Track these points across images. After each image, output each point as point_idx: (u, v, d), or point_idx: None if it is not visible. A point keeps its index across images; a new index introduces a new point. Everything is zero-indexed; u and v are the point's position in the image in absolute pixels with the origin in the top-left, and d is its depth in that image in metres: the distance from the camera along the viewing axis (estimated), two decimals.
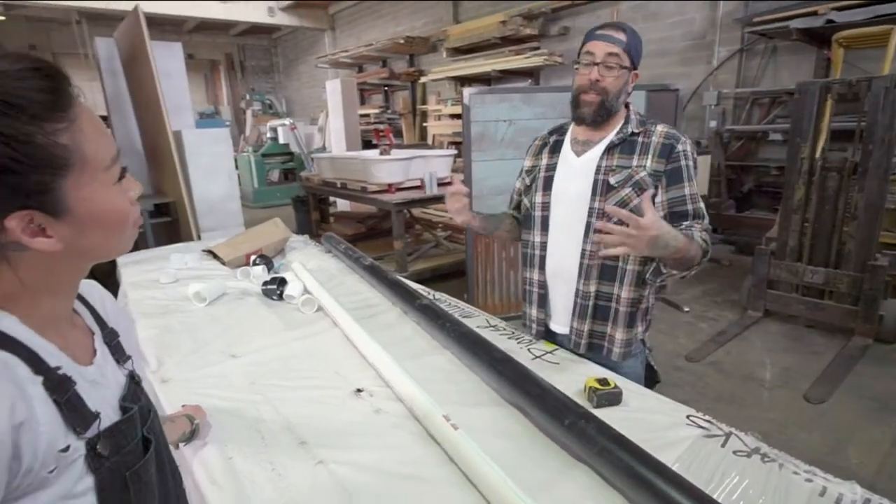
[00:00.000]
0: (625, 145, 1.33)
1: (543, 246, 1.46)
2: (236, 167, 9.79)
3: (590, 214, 1.35)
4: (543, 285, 1.47)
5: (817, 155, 3.28)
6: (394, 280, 1.83)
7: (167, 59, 3.95)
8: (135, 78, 3.61)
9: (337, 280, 2.08)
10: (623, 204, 1.31)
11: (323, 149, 8.28)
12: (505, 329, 1.61)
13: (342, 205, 6.65)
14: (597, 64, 1.27)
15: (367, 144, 8.63)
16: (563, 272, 1.42)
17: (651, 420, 1.12)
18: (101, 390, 0.57)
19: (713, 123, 6.22)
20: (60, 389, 0.50)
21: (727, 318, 3.70)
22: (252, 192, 8.76)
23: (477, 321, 1.66)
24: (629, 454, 0.89)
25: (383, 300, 1.83)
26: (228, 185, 3.61)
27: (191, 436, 1.02)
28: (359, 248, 2.12)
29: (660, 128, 1.33)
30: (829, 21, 4.80)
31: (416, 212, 5.94)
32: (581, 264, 1.38)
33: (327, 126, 8.01)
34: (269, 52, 15.01)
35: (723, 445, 1.04)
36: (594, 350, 1.42)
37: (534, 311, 1.51)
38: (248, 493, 0.90)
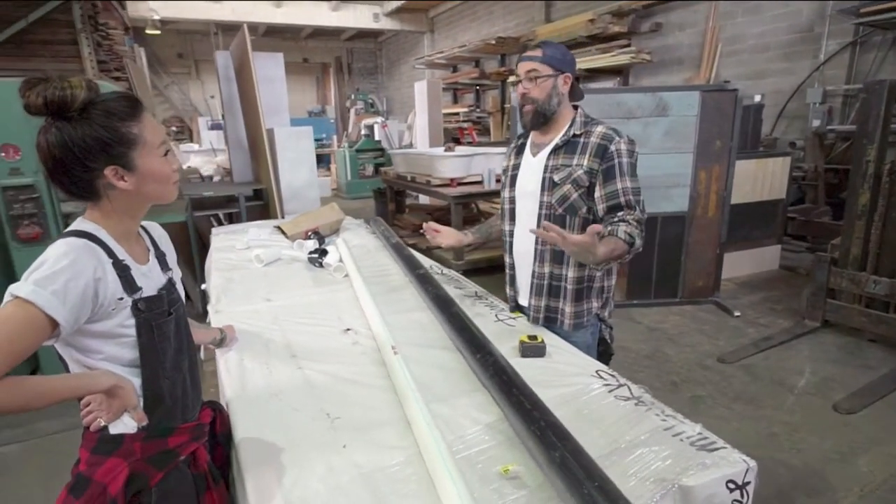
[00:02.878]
0: (568, 146, 1.56)
1: (511, 234, 1.74)
2: (333, 161, 10.81)
3: (540, 207, 1.60)
4: (512, 267, 1.76)
5: None
6: (407, 255, 2.20)
7: (270, 68, 4.67)
8: (242, 84, 4.34)
9: (370, 254, 2.49)
10: (565, 198, 1.55)
11: (410, 145, 8.87)
12: (486, 299, 1.91)
13: (424, 199, 7.16)
14: (521, 81, 1.53)
15: (456, 142, 9.13)
16: (524, 256, 1.69)
17: (562, 370, 1.37)
18: (147, 279, 0.99)
19: (816, 123, 5.77)
20: (121, 269, 0.92)
21: (781, 325, 3.58)
22: (346, 184, 9.63)
23: (466, 291, 1.97)
24: (507, 377, 1.17)
25: (398, 270, 2.20)
26: (309, 176, 4.22)
27: (220, 342, 1.47)
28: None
29: (599, 129, 1.54)
30: None
31: (485, 206, 6.26)
32: (535, 249, 1.63)
33: (415, 124, 8.57)
34: (374, 54, 16.11)
35: (610, 391, 1.27)
36: (550, 322, 1.66)
37: (507, 289, 1.80)
38: (247, 378, 1.33)
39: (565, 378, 1.33)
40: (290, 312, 1.76)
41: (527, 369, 1.35)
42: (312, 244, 2.54)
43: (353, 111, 13.17)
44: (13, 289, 0.79)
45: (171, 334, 1.00)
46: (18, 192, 2.63)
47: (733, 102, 3.60)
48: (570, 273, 1.60)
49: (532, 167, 1.65)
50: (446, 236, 1.85)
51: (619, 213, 1.48)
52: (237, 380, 1.32)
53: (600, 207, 1.52)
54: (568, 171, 1.54)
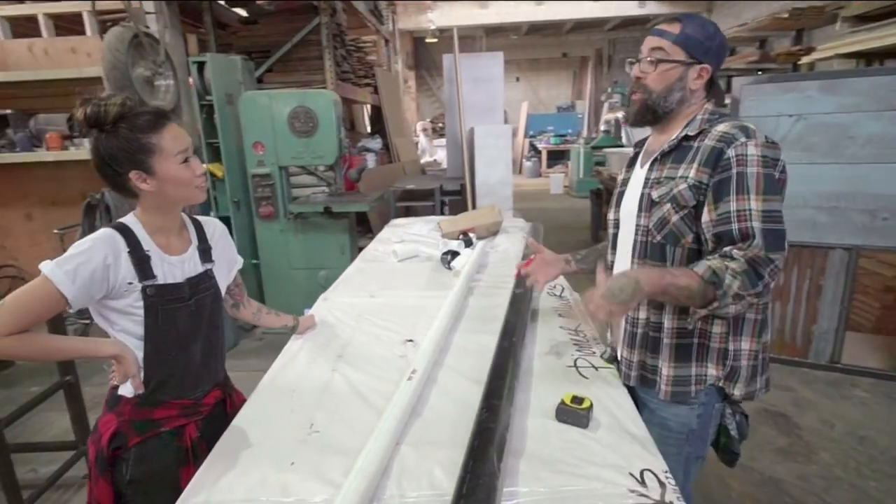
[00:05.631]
0: (678, 152, 1.17)
1: (612, 266, 1.39)
2: (569, 158, 10.52)
3: (636, 232, 1.24)
4: None
5: None
6: None
7: (489, 67, 4.81)
8: (456, 84, 4.60)
9: (504, 263, 2.35)
10: (664, 221, 1.17)
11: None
12: (583, 337, 1.58)
13: None
14: (639, 60, 1.17)
15: None
16: None
17: (595, 452, 1.04)
18: (173, 268, 1.15)
19: None
20: (137, 257, 1.09)
21: None
22: (576, 181, 9.29)
23: (565, 322, 1.68)
24: (478, 443, 0.95)
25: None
26: (504, 173, 4.21)
27: (292, 330, 1.60)
28: None
29: (720, 128, 1.11)
30: None
31: None
32: None
33: None
34: (639, 43, 14.94)
35: None
36: (646, 383, 1.29)
37: (608, 334, 1.47)
38: (286, 369, 1.42)
39: (588, 467, 1.00)
40: (377, 312, 1.79)
41: (549, 439, 1.09)
42: (456, 245, 2.54)
43: (606, 105, 12.56)
44: (41, 265, 1.01)
45: (180, 319, 1.14)
46: (261, 179, 3.38)
47: None
48: (668, 322, 1.21)
49: (637, 181, 1.29)
50: (543, 271, 1.57)
51: (725, 249, 1.05)
52: (279, 368, 1.42)
53: (707, 237, 1.10)
54: (670, 185, 1.16)
